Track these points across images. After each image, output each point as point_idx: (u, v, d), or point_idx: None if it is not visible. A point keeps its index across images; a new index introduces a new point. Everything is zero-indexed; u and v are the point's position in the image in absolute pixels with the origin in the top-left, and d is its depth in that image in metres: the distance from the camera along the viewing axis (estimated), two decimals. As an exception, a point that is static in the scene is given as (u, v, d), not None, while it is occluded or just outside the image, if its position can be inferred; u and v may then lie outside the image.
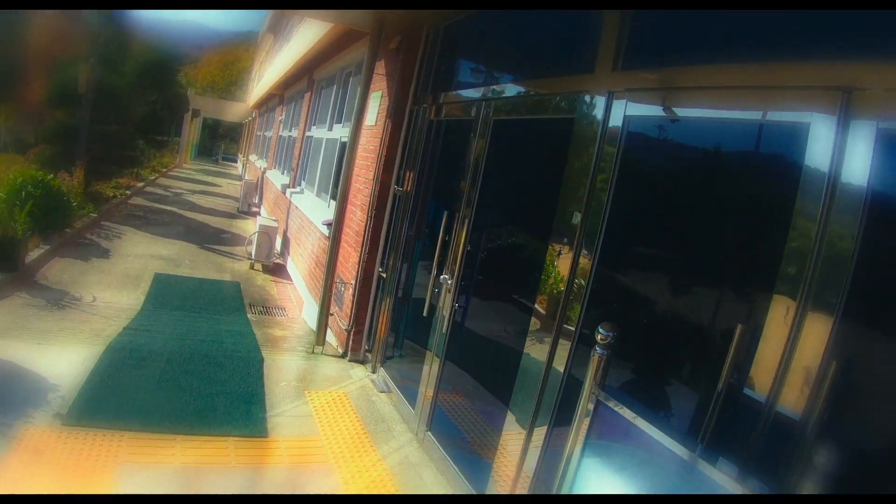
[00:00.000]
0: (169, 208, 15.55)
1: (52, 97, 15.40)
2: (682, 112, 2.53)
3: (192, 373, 5.16)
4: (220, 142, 51.88)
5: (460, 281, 4.04)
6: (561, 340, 2.95)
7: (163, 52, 29.89)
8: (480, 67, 4.66)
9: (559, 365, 2.95)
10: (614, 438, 2.50)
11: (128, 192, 16.41)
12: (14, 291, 6.83)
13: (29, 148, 16.37)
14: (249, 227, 13.43)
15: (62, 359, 5.01)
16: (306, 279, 8.24)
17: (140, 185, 19.37)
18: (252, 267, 10.13)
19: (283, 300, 8.52)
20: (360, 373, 5.59)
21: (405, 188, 5.20)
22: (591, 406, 2.47)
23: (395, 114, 5.35)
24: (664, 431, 2.13)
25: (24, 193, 8.45)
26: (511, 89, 3.91)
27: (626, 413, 2.32)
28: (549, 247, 3.16)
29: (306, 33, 9.04)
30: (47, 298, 6.80)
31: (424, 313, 4.34)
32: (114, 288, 7.80)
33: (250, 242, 10.47)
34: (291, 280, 9.51)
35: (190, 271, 9.41)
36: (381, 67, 5.73)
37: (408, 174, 5.20)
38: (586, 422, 2.50)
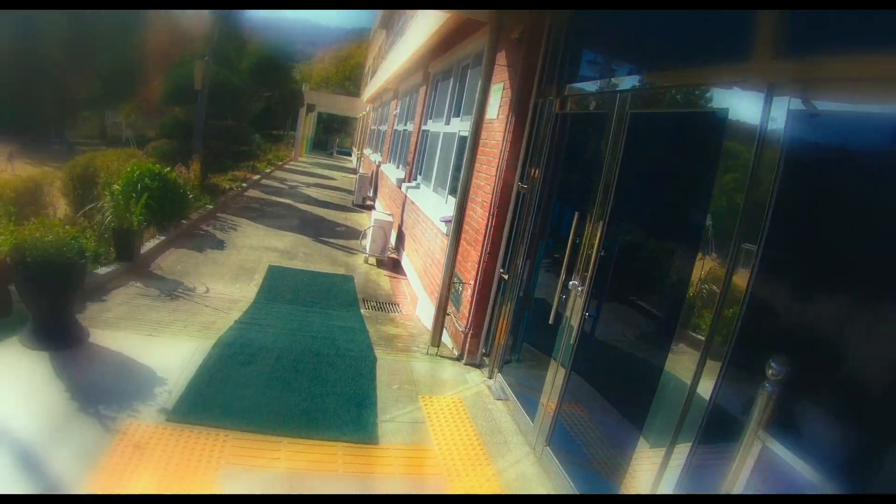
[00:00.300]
0: (284, 200, 15.99)
1: (169, 94, 16.14)
2: (865, 108, 2.11)
3: (302, 371, 5.11)
4: (335, 136, 53.34)
5: (592, 288, 3.73)
6: (709, 362, 2.59)
7: (277, 49, 30.99)
8: (613, 57, 4.28)
9: (705, 389, 2.61)
10: (778, 489, 2.15)
11: (244, 184, 17.01)
12: (129, 281, 7.08)
13: (148, 143, 17.30)
14: (364, 221, 13.58)
15: (171, 352, 5.09)
16: (421, 275, 8.13)
17: (256, 177, 20.08)
18: (366, 261, 10.18)
19: (397, 296, 8.46)
20: (475, 378, 5.39)
21: (529, 186, 4.92)
22: (755, 450, 2.14)
23: (517, 107, 5.08)
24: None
25: (140, 186, 8.79)
26: (649, 80, 3.54)
27: (801, 467, 1.96)
28: (695, 257, 2.81)
29: (421, 27, 8.92)
30: (161, 288, 7.02)
31: (550, 321, 4.06)
32: (227, 279, 7.98)
33: (365, 236, 10.52)
34: (406, 275, 9.46)
35: (304, 264, 9.55)
36: (501, 58, 5.47)
37: (532, 171, 4.91)
38: (747, 465, 2.16)
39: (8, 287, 5.13)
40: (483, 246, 5.32)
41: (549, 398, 4.04)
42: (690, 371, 2.69)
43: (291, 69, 33.36)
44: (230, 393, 4.53)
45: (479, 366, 5.57)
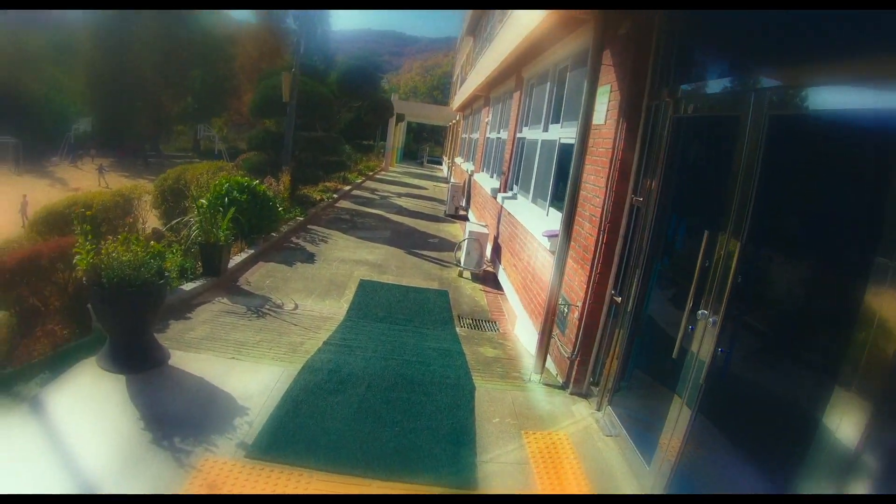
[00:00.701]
0: (375, 211, 15.91)
1: (258, 106, 16.44)
2: None
3: (394, 402, 4.78)
4: (425, 145, 53.83)
5: (725, 320, 3.20)
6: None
7: (365, 59, 31.43)
8: (743, 50, 3.72)
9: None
10: None
11: (334, 195, 17.09)
12: (215, 297, 7.00)
13: (240, 154, 17.68)
14: (457, 232, 13.27)
15: (255, 377, 4.88)
16: (519, 291, 7.69)
17: (347, 188, 20.22)
18: (461, 274, 9.84)
19: (494, 312, 8.06)
20: (583, 410, 4.90)
21: (644, 199, 4.41)
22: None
23: (627, 111, 4.58)
24: None
25: (227, 199, 8.75)
26: (796, 75, 2.98)
27: None
28: (867, 288, 2.27)
29: (512, 29, 8.49)
30: (248, 305, 6.89)
31: (674, 355, 3.54)
32: (317, 295, 7.81)
33: (459, 248, 10.21)
34: (502, 290, 9.05)
35: (396, 278, 9.31)
36: (606, 57, 4.99)
37: (647, 182, 4.39)
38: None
39: (87, 306, 5.09)
40: (593, 265, 4.84)
41: (671, 440, 3.52)
42: (855, 432, 2.19)
43: (379, 79, 33.77)
44: (316, 426, 4.25)
45: (586, 395, 5.08)
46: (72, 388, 4.39)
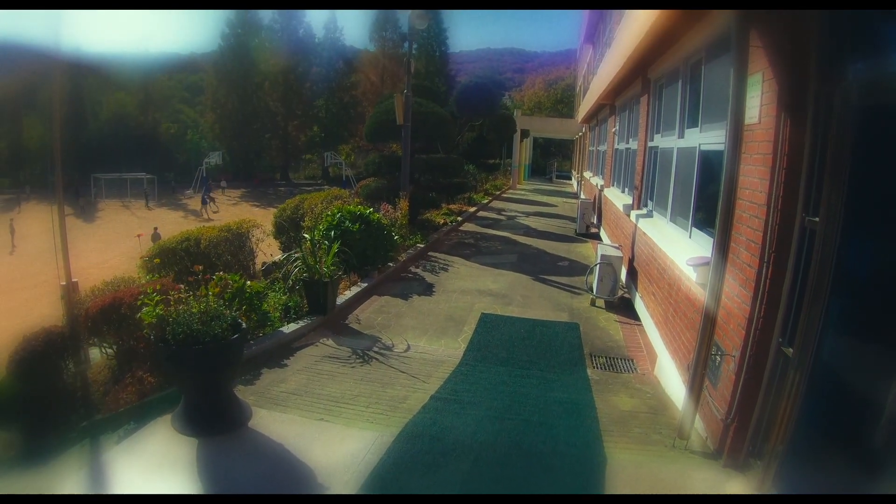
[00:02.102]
0: (501, 233, 15.08)
1: (372, 131, 16.16)
2: None
3: (504, 482, 3.94)
4: (553, 160, 53.07)
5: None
6: None
7: (484, 77, 31.09)
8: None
9: None
10: None
11: (458, 217, 16.49)
12: (319, 338, 6.49)
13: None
14: (588, 252, 12.22)
15: (343, 446, 4.24)
16: (660, 325, 6.60)
17: (472, 209, 19.62)
18: (593, 303, 8.87)
19: (630, 348, 7.02)
20: (740, 489, 3.78)
21: (822, 219, 3.28)
22: None
23: (789, 102, 3.49)
24: None
25: (336, 231, 8.26)
26: None
27: None
28: None
29: (631, 25, 7.47)
30: (353, 347, 6.33)
31: (880, 437, 2.44)
32: (431, 333, 7.14)
33: (591, 273, 9.23)
34: (640, 320, 7.94)
35: (521, 310, 8.51)
36: (754, 37, 3.92)
37: (824, 196, 3.26)
38: None
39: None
40: (754, 305, 3.74)
41: None
42: None
43: (500, 95, 33.41)
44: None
45: (743, 469, 3.97)
46: (143, 449, 4.03)
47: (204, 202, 38.34)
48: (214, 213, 37.13)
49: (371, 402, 5.05)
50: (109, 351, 5.30)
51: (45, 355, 4.74)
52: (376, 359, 6.14)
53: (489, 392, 5.47)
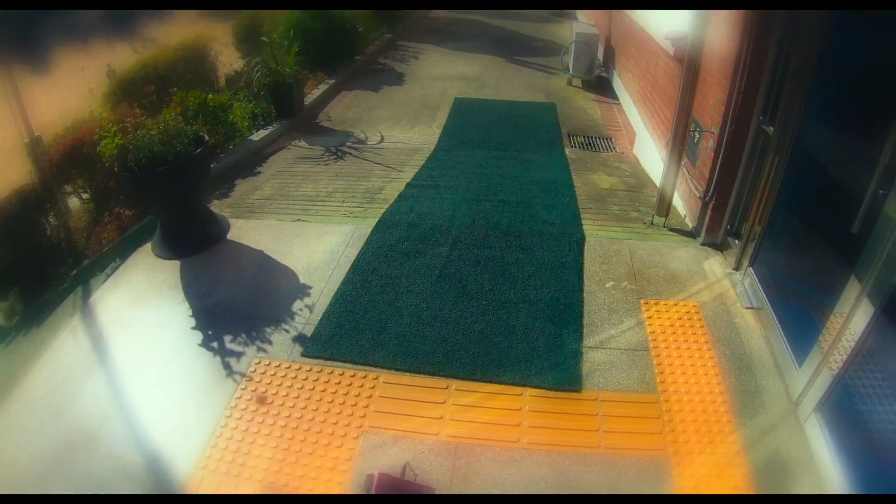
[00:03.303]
0: (473, 17, 14.12)
1: None
2: None
3: (484, 264, 4.02)
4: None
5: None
6: None
7: None
8: None
9: None
10: None
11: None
12: (291, 141, 6.37)
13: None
14: (565, 33, 11.63)
15: (321, 243, 4.27)
16: (638, 103, 6.48)
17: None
18: (570, 82, 8.64)
19: (609, 127, 6.96)
20: (716, 267, 3.94)
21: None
22: None
23: None
24: None
25: (292, 32, 7.79)
26: None
27: None
28: None
29: None
30: (326, 145, 6.23)
31: (853, 228, 2.46)
32: (405, 122, 7.03)
33: (566, 52, 8.88)
34: (618, 99, 7.79)
35: (496, 93, 8.31)
36: None
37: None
38: None
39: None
40: (734, 81, 3.59)
41: (837, 341, 2.53)
42: None
43: None
44: (387, 306, 3.62)
45: (721, 247, 4.11)
46: (128, 281, 3.98)
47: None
48: None
49: (347, 196, 5.02)
50: (86, 196, 5.15)
51: (23, 215, 4.57)
52: (350, 154, 6.03)
53: (466, 176, 5.46)
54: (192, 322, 3.51)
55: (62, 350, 3.35)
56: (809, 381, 2.70)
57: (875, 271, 2.30)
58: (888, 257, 2.23)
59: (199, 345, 3.32)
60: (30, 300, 3.89)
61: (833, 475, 2.39)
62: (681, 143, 4.19)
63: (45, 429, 2.81)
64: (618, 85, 7.89)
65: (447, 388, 3.00)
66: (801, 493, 2.44)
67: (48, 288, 4.09)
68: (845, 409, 2.53)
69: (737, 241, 3.89)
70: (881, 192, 2.31)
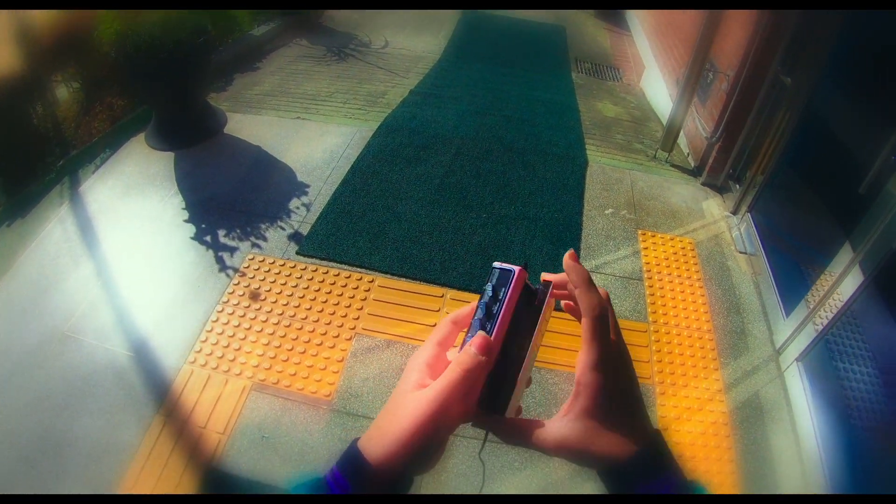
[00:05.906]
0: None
1: None
2: None
3: (485, 177, 4.02)
4: None
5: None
6: None
7: None
8: None
9: None
10: None
11: None
12: (293, 38, 6.17)
13: None
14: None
15: (321, 142, 4.21)
16: (650, 36, 6.37)
17: None
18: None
19: (617, 57, 6.86)
20: (715, 209, 4.00)
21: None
22: None
23: None
24: None
25: None
26: None
27: None
28: None
29: None
30: (328, 45, 6.06)
31: (861, 189, 2.49)
32: (411, 29, 6.83)
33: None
34: (629, 30, 7.63)
35: (503, 11, 8.02)
36: None
37: None
38: None
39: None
40: (758, 25, 3.56)
41: (825, 300, 2.61)
42: None
43: None
44: (385, 209, 3.62)
45: (721, 190, 4.15)
46: (120, 171, 3.89)
47: None
48: None
49: (349, 98, 4.93)
50: (76, 85, 4.93)
51: (9, 105, 4.34)
52: (353, 56, 5.87)
53: (470, 88, 5.38)
54: (185, 214, 3.48)
55: (49, 239, 3.29)
56: (794, 332, 2.80)
57: (873, 236, 2.35)
58: (889, 225, 2.27)
59: (191, 238, 3.31)
60: (14, 191, 3.77)
61: (807, 424, 2.53)
62: (695, 80, 4.16)
63: (31, 319, 2.79)
64: (630, 15, 7.71)
65: (443, 296, 3.06)
66: (774, 433, 2.58)
67: (34, 179, 3.98)
68: (825, 364, 2.63)
69: (738, 186, 3.93)
70: (894, 157, 2.33)
